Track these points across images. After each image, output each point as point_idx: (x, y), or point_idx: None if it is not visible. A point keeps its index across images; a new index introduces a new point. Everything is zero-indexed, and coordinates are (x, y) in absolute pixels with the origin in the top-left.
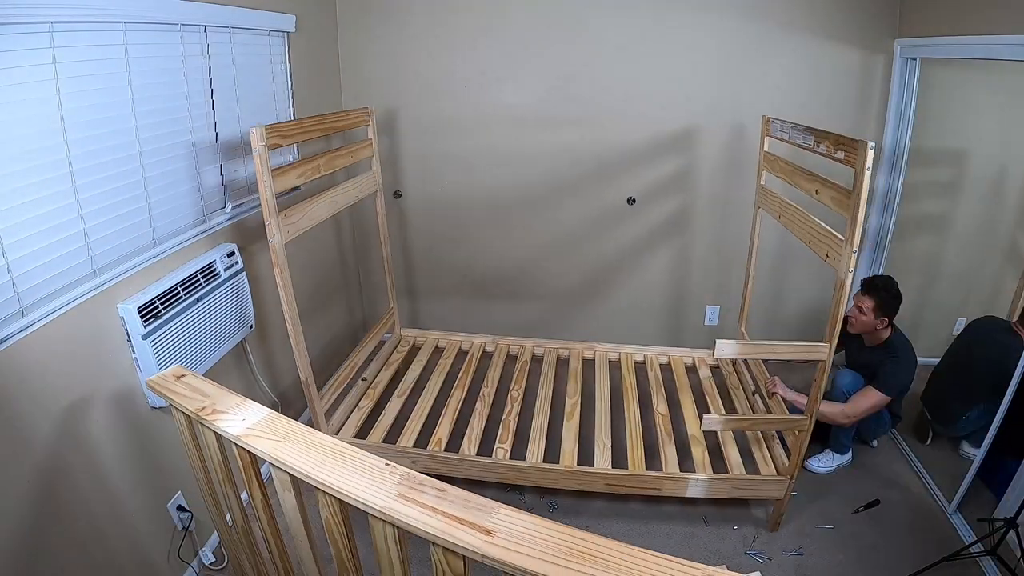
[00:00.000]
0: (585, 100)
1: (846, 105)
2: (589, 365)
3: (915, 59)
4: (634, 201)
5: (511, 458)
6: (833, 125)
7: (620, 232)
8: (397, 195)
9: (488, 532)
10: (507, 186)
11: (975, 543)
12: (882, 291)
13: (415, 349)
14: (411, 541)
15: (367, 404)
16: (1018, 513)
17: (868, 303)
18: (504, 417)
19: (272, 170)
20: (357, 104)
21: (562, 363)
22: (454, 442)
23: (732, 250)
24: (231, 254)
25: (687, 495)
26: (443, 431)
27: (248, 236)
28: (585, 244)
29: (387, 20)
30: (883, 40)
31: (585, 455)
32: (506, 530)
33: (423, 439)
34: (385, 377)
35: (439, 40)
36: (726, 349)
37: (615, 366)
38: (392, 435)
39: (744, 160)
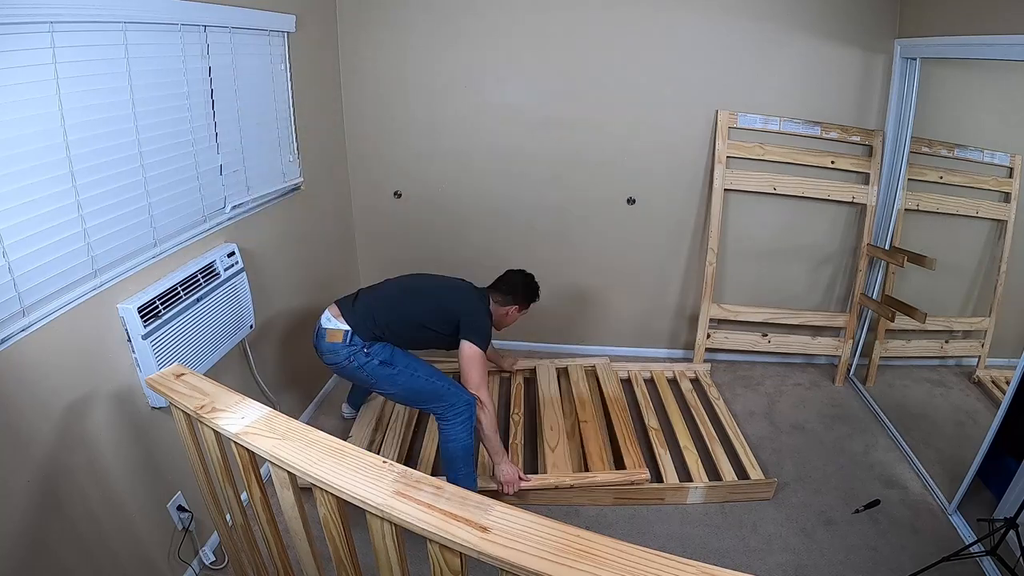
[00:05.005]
0: (585, 100)
1: (846, 105)
2: (586, 379)
3: (915, 59)
4: (634, 201)
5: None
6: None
7: (620, 232)
8: (397, 195)
9: (484, 529)
10: (507, 186)
11: (975, 543)
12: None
13: None
14: (409, 538)
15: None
16: (1018, 513)
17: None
18: (511, 441)
19: None
20: (357, 104)
21: (553, 380)
22: None
23: (735, 246)
24: (231, 254)
25: (687, 503)
26: None
27: (248, 236)
28: (586, 244)
29: (387, 20)
30: (883, 40)
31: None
32: (502, 527)
33: None
34: None
35: (439, 40)
36: None
37: (604, 382)
38: None
39: None
